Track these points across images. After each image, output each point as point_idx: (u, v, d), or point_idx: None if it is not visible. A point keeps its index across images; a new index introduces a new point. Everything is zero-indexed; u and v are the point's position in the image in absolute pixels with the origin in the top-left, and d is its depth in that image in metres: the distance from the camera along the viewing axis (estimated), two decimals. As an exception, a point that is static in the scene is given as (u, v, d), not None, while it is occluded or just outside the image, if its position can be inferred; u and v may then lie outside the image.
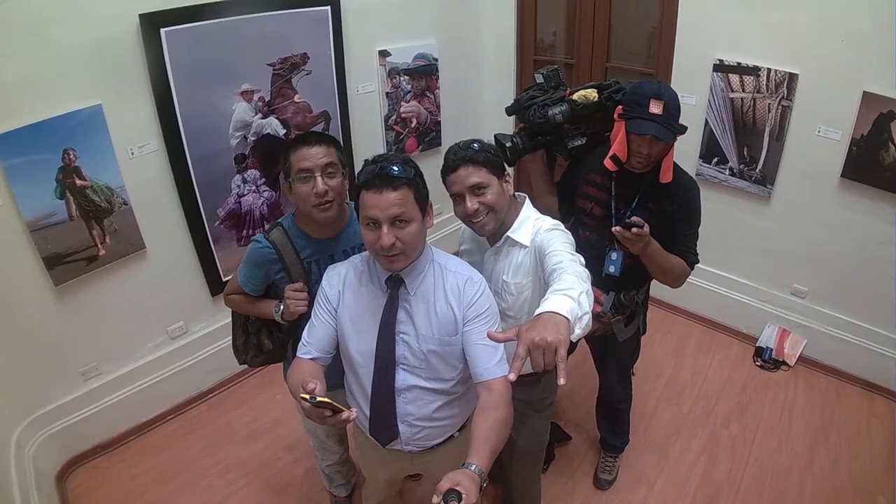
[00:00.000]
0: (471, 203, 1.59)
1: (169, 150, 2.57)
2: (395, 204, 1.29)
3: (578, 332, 1.13)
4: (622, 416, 2.48)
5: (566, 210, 2.05)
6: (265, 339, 1.89)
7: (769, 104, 2.72)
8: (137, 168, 2.50)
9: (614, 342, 2.15)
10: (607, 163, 1.80)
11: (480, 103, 3.96)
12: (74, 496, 2.52)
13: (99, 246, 2.46)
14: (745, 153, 2.90)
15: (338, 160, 1.60)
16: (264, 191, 2.94)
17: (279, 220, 1.74)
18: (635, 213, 1.86)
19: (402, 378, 1.46)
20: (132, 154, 2.47)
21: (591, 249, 1.90)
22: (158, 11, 2.33)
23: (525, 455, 2.04)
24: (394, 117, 3.47)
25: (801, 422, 2.78)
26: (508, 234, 1.67)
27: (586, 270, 1.37)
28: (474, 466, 1.17)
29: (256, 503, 2.48)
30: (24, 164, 2.17)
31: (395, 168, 1.30)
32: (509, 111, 2.00)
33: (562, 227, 1.65)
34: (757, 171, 2.89)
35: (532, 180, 2.10)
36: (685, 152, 3.05)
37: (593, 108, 1.87)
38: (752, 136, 2.85)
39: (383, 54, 3.26)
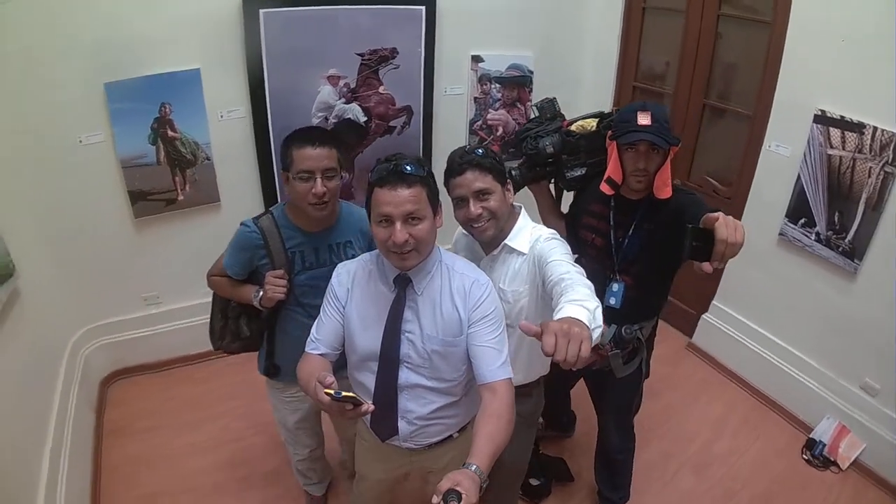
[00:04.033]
0: (474, 208, 1.60)
1: (255, 119, 2.84)
2: (409, 201, 1.32)
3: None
4: (620, 469, 2.32)
5: (572, 243, 1.98)
6: (244, 326, 1.90)
7: (870, 167, 2.38)
8: (224, 129, 2.79)
9: (612, 379, 2.04)
10: (603, 187, 1.75)
11: (573, 123, 3.86)
12: (111, 401, 2.89)
13: (179, 191, 2.79)
14: (836, 219, 2.55)
15: (338, 162, 1.64)
16: (337, 171, 3.12)
17: (270, 208, 1.79)
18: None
19: (405, 376, 1.48)
20: (221, 117, 2.77)
21: (593, 280, 1.81)
22: (261, -7, 2.59)
23: (509, 468, 1.98)
24: (479, 122, 3.50)
25: (834, 533, 2.40)
26: (506, 241, 1.66)
27: (590, 283, 1.39)
28: (475, 467, 1.17)
29: (260, 453, 2.65)
30: (128, 109, 2.55)
31: (409, 167, 1.34)
32: (509, 145, 1.99)
33: (559, 236, 1.65)
34: (846, 241, 2.53)
35: (539, 211, 2.09)
36: (770, 205, 2.79)
37: (592, 138, 1.83)
38: (846, 200, 2.50)
39: (476, 59, 3.30)
